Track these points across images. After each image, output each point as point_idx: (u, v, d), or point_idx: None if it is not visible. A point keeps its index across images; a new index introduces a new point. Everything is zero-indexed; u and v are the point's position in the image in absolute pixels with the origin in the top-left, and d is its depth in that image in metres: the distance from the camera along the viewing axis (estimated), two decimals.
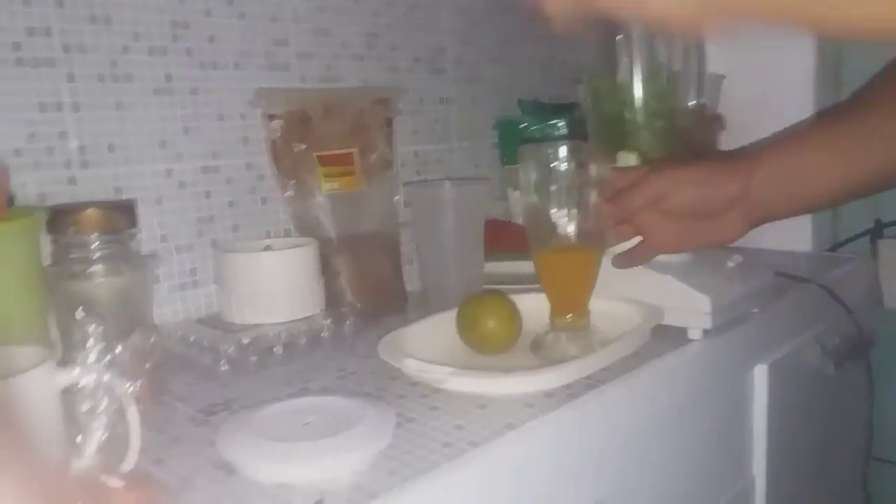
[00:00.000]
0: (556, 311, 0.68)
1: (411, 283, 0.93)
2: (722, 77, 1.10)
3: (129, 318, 0.60)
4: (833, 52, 1.14)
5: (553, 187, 0.65)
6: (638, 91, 0.77)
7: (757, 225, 0.67)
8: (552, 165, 0.65)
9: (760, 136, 1.11)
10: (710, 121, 1.07)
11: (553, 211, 0.65)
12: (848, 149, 0.60)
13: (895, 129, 0.59)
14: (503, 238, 1.04)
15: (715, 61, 1.07)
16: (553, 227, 0.66)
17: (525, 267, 0.97)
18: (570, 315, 0.67)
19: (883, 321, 1.04)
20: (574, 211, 0.65)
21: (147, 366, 0.50)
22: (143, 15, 0.74)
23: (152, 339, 0.51)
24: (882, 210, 1.11)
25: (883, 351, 0.99)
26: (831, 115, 0.66)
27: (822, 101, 1.09)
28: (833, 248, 1.16)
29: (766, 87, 1.10)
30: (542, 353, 0.67)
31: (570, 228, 0.65)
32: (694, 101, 0.81)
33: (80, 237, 0.61)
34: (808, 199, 0.65)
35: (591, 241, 0.67)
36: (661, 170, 0.66)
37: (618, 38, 0.78)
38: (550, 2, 0.40)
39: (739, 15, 0.53)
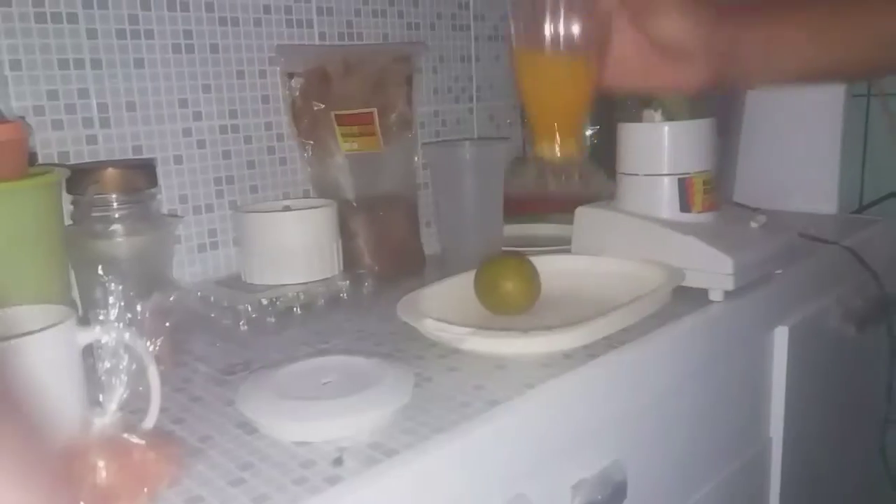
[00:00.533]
0: (542, 134, 0.55)
1: (430, 245, 0.93)
2: None
3: (149, 278, 0.61)
4: None
5: None
6: None
7: (719, 82, 0.56)
8: None
9: (789, 95, 1.08)
10: None
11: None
12: (833, 31, 0.53)
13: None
14: (524, 202, 1.04)
15: None
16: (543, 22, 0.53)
17: (545, 229, 0.97)
18: (560, 143, 0.55)
19: None
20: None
21: (167, 325, 0.50)
22: None
23: (172, 298, 0.52)
24: None
25: None
26: None
27: None
28: (859, 210, 1.14)
29: None
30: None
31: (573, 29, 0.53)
32: None
33: (101, 197, 0.61)
34: (784, 73, 0.59)
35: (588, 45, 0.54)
36: None
37: None
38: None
39: (751, 77, 0.54)
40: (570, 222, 0.80)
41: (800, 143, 1.09)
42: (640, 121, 0.77)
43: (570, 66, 0.54)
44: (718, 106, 0.80)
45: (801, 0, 0.53)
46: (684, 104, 0.75)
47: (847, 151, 1.08)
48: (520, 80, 0.56)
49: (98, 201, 0.61)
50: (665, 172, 0.74)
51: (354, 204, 0.81)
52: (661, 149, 0.75)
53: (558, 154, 0.55)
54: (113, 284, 0.41)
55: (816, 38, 0.53)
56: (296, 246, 0.71)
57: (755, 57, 0.54)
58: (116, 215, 0.61)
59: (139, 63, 0.72)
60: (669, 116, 0.75)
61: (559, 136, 0.55)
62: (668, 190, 0.74)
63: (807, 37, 0.53)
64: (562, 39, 0.53)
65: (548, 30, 0.54)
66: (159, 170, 0.73)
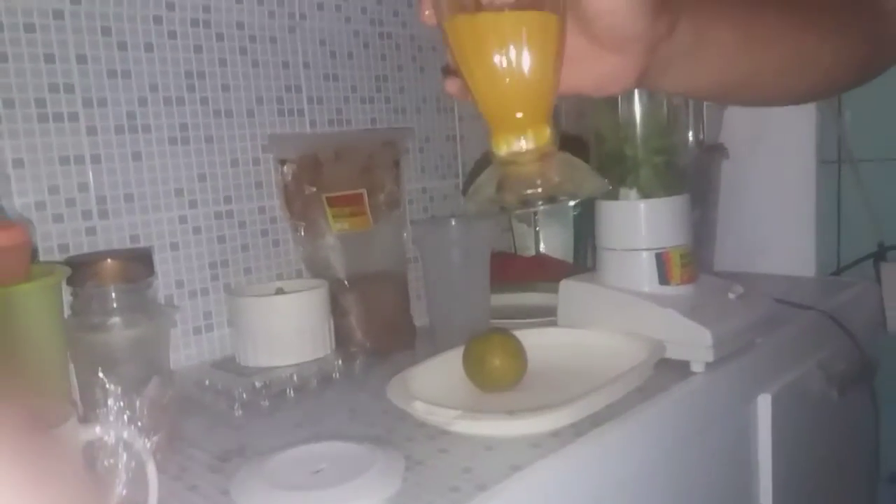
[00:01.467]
0: (500, 125, 0.41)
1: (420, 317, 0.95)
2: (723, 107, 1.12)
3: (146, 366, 0.62)
4: None
5: None
6: (638, 128, 0.79)
7: (642, 84, 0.46)
8: None
9: (763, 165, 1.13)
10: (712, 152, 1.09)
11: None
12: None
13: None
14: (508, 271, 1.07)
15: None
16: None
17: (532, 299, 1.00)
18: (527, 133, 0.40)
19: (887, 345, 1.05)
20: None
21: (165, 416, 0.52)
22: (160, 67, 0.77)
23: (169, 392, 0.53)
24: (885, 233, 1.12)
25: (887, 375, 1.00)
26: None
27: (822, 123, 1.11)
28: (837, 272, 1.17)
29: (766, 114, 1.12)
30: (478, 207, 0.42)
31: None
32: (693, 136, 0.83)
33: (100, 289, 0.63)
34: (704, 75, 0.49)
35: None
36: None
37: None
38: None
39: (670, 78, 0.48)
40: (556, 291, 0.82)
41: (776, 208, 1.13)
42: (617, 198, 0.80)
43: (533, 21, 0.39)
44: (694, 179, 0.84)
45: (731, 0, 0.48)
46: (657, 181, 0.79)
47: (822, 215, 1.12)
48: (464, 54, 0.40)
49: (96, 293, 0.63)
50: (643, 248, 0.77)
51: (346, 282, 0.83)
52: (637, 225, 0.78)
53: (525, 146, 0.40)
54: (111, 385, 0.43)
55: (741, 39, 0.48)
56: (288, 328, 0.73)
57: (682, 51, 0.45)
58: (115, 306, 0.64)
59: (137, 156, 0.76)
60: (645, 194, 0.79)
61: (527, 119, 0.40)
62: (646, 264, 0.77)
63: (732, 36, 0.47)
64: None
65: None
66: (156, 257, 0.76)
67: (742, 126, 1.13)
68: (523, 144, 0.40)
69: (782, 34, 0.49)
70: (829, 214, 1.18)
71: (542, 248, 1.11)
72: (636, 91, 0.79)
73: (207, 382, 0.72)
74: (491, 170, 0.42)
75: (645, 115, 0.79)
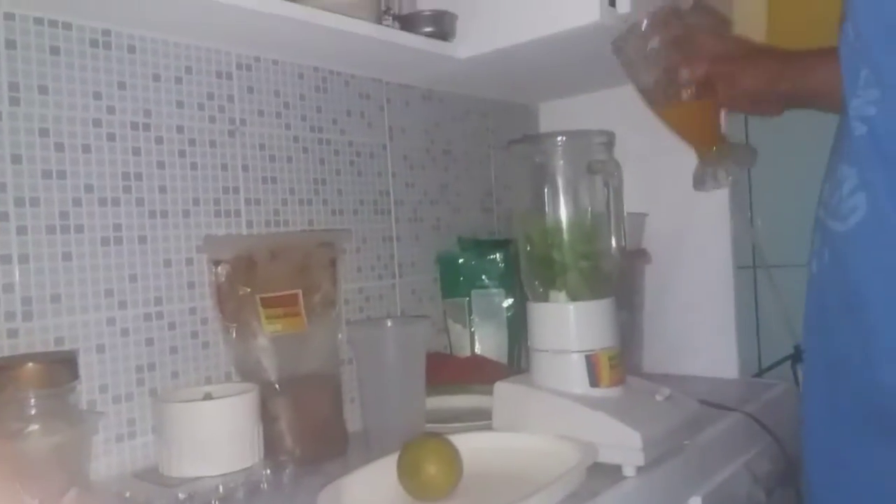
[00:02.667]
0: (701, 150, 0.81)
1: (354, 421, 0.94)
2: (644, 215, 1.19)
3: (65, 476, 0.59)
4: (744, 183, 1.24)
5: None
6: (564, 235, 0.83)
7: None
8: None
9: (683, 269, 1.19)
10: (636, 256, 1.14)
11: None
12: None
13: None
14: (445, 372, 1.07)
15: (637, 200, 1.15)
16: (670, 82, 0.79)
17: (468, 401, 1.00)
18: (714, 147, 0.80)
19: None
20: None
21: None
22: (96, 168, 0.77)
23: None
24: (800, 336, 1.17)
25: None
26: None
27: (736, 230, 1.18)
28: (759, 374, 1.22)
29: (685, 221, 1.19)
30: (707, 186, 0.81)
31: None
32: (616, 243, 0.87)
33: (19, 394, 0.61)
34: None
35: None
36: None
37: (545, 185, 0.84)
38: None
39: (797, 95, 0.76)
40: (492, 392, 0.83)
41: (698, 311, 1.18)
42: (548, 300, 0.83)
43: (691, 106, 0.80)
44: (620, 284, 0.87)
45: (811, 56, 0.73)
46: (583, 285, 0.82)
47: (741, 318, 1.17)
48: (674, 127, 0.82)
49: (15, 399, 0.60)
50: (573, 349, 0.79)
51: (277, 385, 0.82)
52: (567, 327, 0.80)
53: (714, 151, 0.80)
54: (29, 497, 0.41)
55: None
56: (216, 435, 0.71)
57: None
58: (34, 412, 0.61)
59: (67, 256, 0.74)
60: (573, 296, 0.82)
61: (706, 143, 0.81)
62: (576, 366, 0.79)
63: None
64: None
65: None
66: (80, 360, 0.73)
67: (662, 233, 1.19)
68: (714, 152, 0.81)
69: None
70: (749, 318, 1.23)
71: (477, 348, 1.12)
72: (562, 202, 0.83)
73: (128, 494, 0.68)
74: (700, 168, 0.83)
75: (570, 222, 0.83)
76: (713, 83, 0.77)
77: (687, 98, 0.79)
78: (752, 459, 0.93)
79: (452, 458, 0.69)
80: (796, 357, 1.16)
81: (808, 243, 1.15)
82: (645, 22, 0.79)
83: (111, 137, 0.78)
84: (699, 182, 0.83)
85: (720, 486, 0.84)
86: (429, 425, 0.88)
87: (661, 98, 0.81)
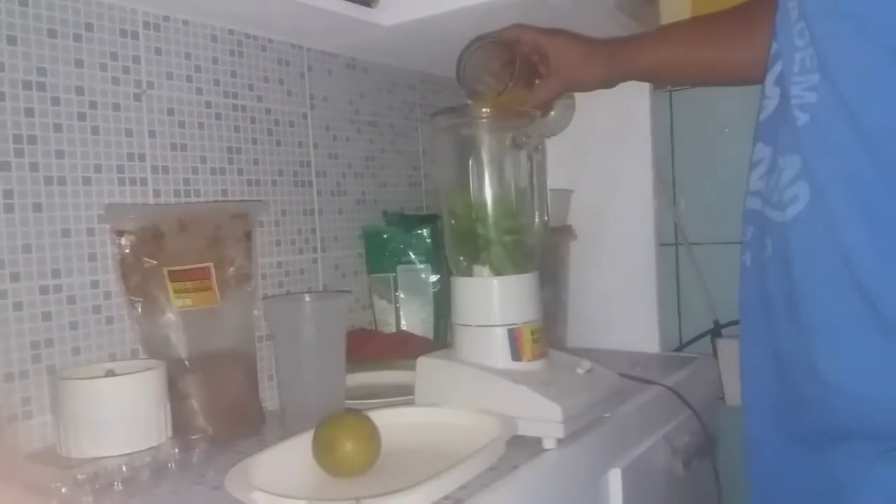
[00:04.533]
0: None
1: (271, 400, 0.91)
2: (570, 192, 1.19)
3: None
4: (667, 162, 1.26)
5: None
6: (489, 209, 0.82)
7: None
8: None
9: (607, 246, 1.20)
10: (561, 233, 1.14)
11: None
12: (703, 48, 0.86)
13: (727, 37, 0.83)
14: (368, 348, 1.04)
15: (562, 177, 1.15)
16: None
17: (391, 377, 0.98)
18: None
19: (725, 417, 1.12)
20: None
21: None
22: None
23: None
24: (719, 311, 1.20)
25: (727, 447, 1.06)
26: (691, 23, 0.95)
27: (659, 208, 1.19)
28: (679, 349, 1.24)
29: (609, 198, 1.20)
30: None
31: None
32: (539, 218, 0.86)
33: None
34: (664, 80, 1.01)
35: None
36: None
37: (470, 159, 0.83)
38: None
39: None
40: (414, 368, 0.81)
41: (621, 287, 1.19)
42: (471, 275, 0.82)
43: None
44: (545, 260, 0.87)
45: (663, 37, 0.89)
46: (507, 260, 0.81)
47: (662, 294, 1.19)
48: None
49: None
50: (496, 323, 0.78)
51: (187, 362, 0.78)
52: (490, 301, 0.79)
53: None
54: None
55: (675, 67, 0.88)
56: (117, 414, 0.67)
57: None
58: None
59: None
60: (497, 271, 0.80)
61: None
62: (499, 340, 0.78)
63: (671, 66, 0.88)
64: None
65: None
66: None
67: (587, 210, 1.20)
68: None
69: (699, 58, 0.86)
70: (670, 294, 1.26)
71: (403, 324, 1.11)
72: (486, 176, 0.82)
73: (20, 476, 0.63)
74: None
75: (494, 197, 0.82)
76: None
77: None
78: (671, 432, 0.94)
79: (370, 433, 0.67)
80: (716, 331, 1.19)
81: (728, 222, 1.19)
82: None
83: (0, 96, 0.72)
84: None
85: (639, 458, 0.85)
86: (349, 402, 0.86)
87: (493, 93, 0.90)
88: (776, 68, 0.64)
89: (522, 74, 0.88)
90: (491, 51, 0.90)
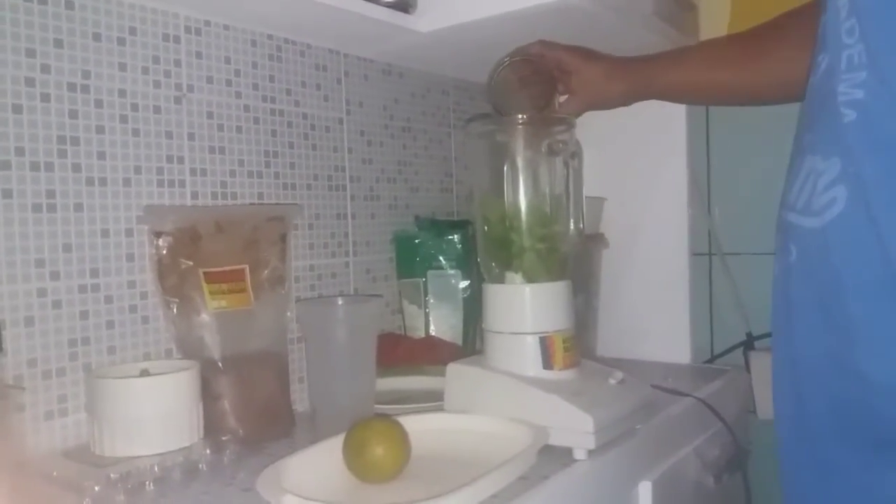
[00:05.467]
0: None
1: (302, 401, 0.91)
2: (603, 200, 1.18)
3: None
4: (702, 172, 1.24)
5: None
6: (523, 216, 0.81)
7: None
8: None
9: (640, 255, 1.19)
10: (593, 241, 1.13)
11: None
12: (718, 70, 0.89)
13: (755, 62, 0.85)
14: (399, 352, 1.05)
15: (596, 185, 1.14)
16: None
17: (420, 382, 0.98)
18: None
19: (757, 431, 1.10)
20: None
21: None
22: (28, 130, 0.72)
23: (4, 485, 0.47)
24: (752, 323, 1.18)
25: (759, 461, 1.04)
26: (707, 45, 0.97)
27: (694, 218, 1.18)
28: (710, 360, 1.22)
29: (643, 207, 1.18)
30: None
31: None
32: (574, 225, 0.85)
33: None
34: (682, 99, 0.99)
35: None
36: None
37: (505, 166, 0.83)
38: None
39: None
40: (444, 374, 0.81)
41: (653, 297, 1.18)
42: (504, 282, 0.81)
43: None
44: (577, 268, 0.86)
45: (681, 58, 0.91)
46: (542, 267, 0.80)
47: (695, 305, 1.18)
48: None
49: None
50: (527, 331, 0.78)
51: (220, 364, 0.78)
52: (522, 309, 0.79)
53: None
54: None
55: (693, 87, 0.91)
56: (151, 414, 0.68)
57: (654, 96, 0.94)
58: None
59: None
60: (529, 278, 0.80)
61: None
62: (531, 348, 0.77)
63: (689, 87, 0.91)
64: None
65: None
66: (6, 332, 0.69)
67: (620, 218, 1.19)
68: None
69: (715, 79, 0.89)
70: (702, 304, 1.24)
71: (432, 329, 1.10)
72: (521, 183, 0.82)
73: (55, 474, 0.65)
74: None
75: (529, 204, 0.82)
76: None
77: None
78: (702, 445, 0.93)
79: (400, 439, 0.67)
80: (748, 344, 1.17)
81: (763, 232, 1.17)
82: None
83: (45, 98, 0.74)
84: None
85: (670, 470, 0.84)
86: (379, 406, 0.86)
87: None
88: (811, 79, 0.63)
89: (548, 92, 0.89)
90: (517, 68, 0.91)
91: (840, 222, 0.57)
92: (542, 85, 0.88)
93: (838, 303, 0.58)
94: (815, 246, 0.60)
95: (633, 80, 0.90)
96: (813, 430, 0.62)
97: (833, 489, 0.61)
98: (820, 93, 0.60)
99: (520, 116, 0.84)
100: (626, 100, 0.92)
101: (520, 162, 0.82)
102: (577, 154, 0.81)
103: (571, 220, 0.83)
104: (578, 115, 0.91)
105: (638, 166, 1.19)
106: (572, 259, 0.84)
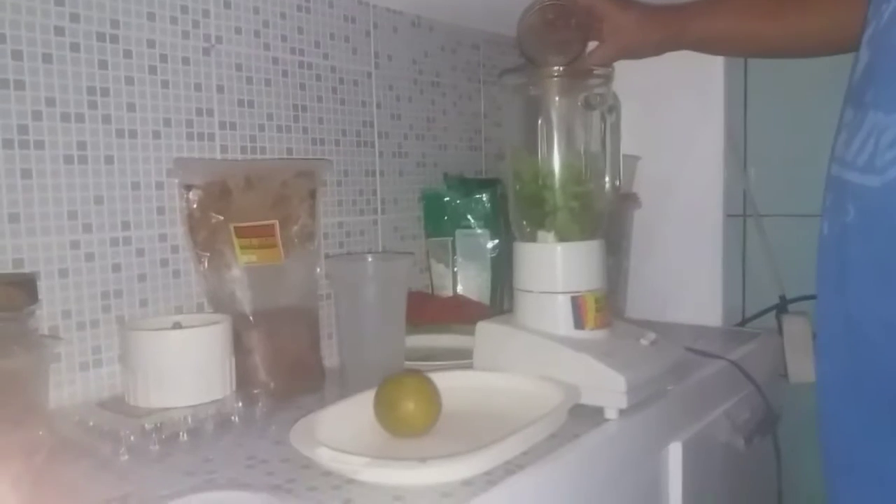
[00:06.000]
0: None
1: (331, 357, 0.91)
2: (637, 158, 1.15)
3: (20, 404, 0.56)
4: (739, 131, 1.21)
5: None
6: (556, 173, 0.80)
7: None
8: None
9: (673, 215, 1.17)
10: (625, 200, 1.11)
11: None
12: (752, 20, 0.84)
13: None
14: (426, 311, 1.04)
15: (629, 143, 1.12)
16: None
17: (448, 340, 0.98)
18: None
19: (788, 395, 1.08)
20: None
21: (37, 460, 0.46)
22: (58, 80, 0.72)
23: (41, 433, 0.48)
24: (786, 286, 1.16)
25: (789, 425, 1.03)
26: None
27: (729, 178, 1.15)
28: (742, 323, 1.21)
29: (677, 166, 1.16)
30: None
31: None
32: (610, 183, 0.84)
33: None
34: (717, 51, 0.92)
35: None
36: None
37: (539, 121, 0.81)
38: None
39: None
40: (473, 333, 0.81)
41: (685, 259, 1.16)
42: (535, 240, 0.80)
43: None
44: (609, 227, 0.84)
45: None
46: (573, 225, 0.79)
47: (728, 267, 1.15)
48: None
49: None
50: (559, 290, 0.77)
51: (251, 318, 0.79)
52: (554, 268, 0.77)
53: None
54: None
55: (732, 36, 0.86)
56: (184, 366, 0.68)
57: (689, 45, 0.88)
58: None
59: (26, 174, 0.70)
60: (562, 237, 0.79)
61: None
62: (562, 307, 0.76)
63: (728, 34, 0.86)
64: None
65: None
66: (41, 284, 0.69)
67: (653, 177, 1.16)
68: None
69: (751, 29, 0.84)
70: (735, 267, 1.22)
71: (459, 288, 1.10)
72: (556, 139, 0.80)
73: (91, 423, 0.65)
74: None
75: (563, 160, 0.80)
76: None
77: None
78: (733, 407, 0.92)
79: (431, 394, 0.67)
80: (781, 307, 1.15)
81: (800, 194, 1.14)
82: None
83: (75, 48, 0.73)
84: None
85: (700, 432, 0.84)
86: (408, 363, 0.86)
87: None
88: (869, 29, 0.60)
89: (579, 39, 0.85)
90: (548, 12, 0.87)
91: None
92: (573, 31, 0.84)
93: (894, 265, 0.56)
94: (876, 205, 0.57)
95: (665, 29, 0.86)
96: (867, 395, 0.61)
97: (882, 457, 0.59)
98: (883, 44, 0.57)
99: (555, 69, 0.82)
100: (658, 49, 0.88)
101: (554, 116, 0.80)
102: (614, 108, 0.79)
103: (607, 178, 0.81)
104: (608, 63, 0.87)
105: (672, 123, 1.16)
106: (606, 217, 0.82)
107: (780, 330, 1.12)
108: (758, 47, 0.89)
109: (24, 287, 0.62)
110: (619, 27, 0.85)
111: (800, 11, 0.80)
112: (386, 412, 0.66)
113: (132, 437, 0.62)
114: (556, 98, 0.80)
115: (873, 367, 0.59)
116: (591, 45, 0.86)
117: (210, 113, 0.84)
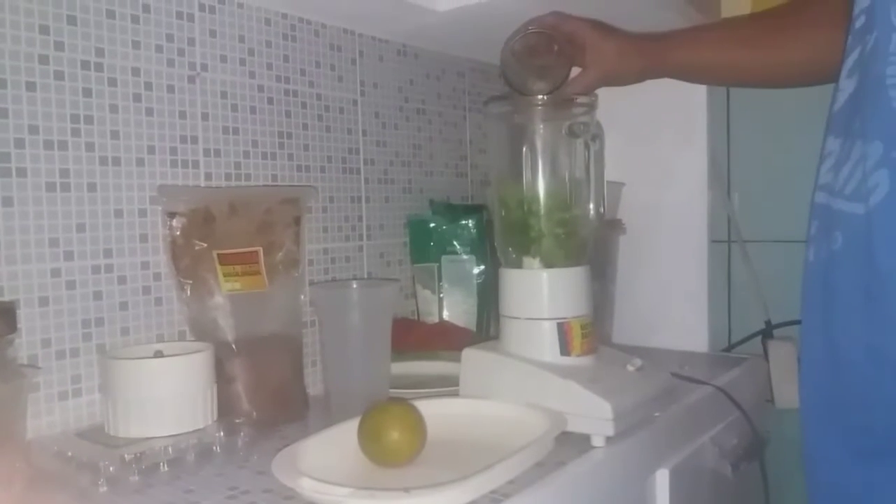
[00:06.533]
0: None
1: (315, 385, 0.90)
2: (622, 185, 1.16)
3: None
4: (723, 157, 1.22)
5: None
6: (541, 200, 0.80)
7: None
8: None
9: (658, 241, 1.17)
10: (610, 226, 1.11)
11: None
12: (732, 50, 0.86)
13: (768, 41, 0.83)
14: (412, 337, 1.04)
15: (614, 170, 1.13)
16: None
17: (434, 367, 0.97)
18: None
19: (775, 420, 1.08)
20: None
21: (15, 491, 0.45)
22: (41, 108, 0.72)
23: (18, 464, 0.47)
24: (772, 311, 1.17)
25: (776, 450, 1.02)
26: (722, 24, 0.97)
27: (713, 204, 1.16)
28: (728, 349, 1.21)
29: (662, 193, 1.17)
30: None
31: None
32: (594, 209, 0.84)
33: None
34: (698, 79, 0.97)
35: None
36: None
37: (523, 148, 0.81)
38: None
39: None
40: (459, 359, 0.80)
41: (670, 284, 1.16)
42: (521, 267, 0.80)
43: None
44: (594, 253, 0.85)
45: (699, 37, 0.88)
46: (561, 252, 0.79)
47: (713, 292, 1.16)
48: None
49: None
50: (545, 317, 0.77)
51: (234, 346, 0.78)
52: (540, 294, 0.77)
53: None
54: None
55: (711, 66, 0.88)
56: (165, 395, 0.67)
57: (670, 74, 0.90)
58: None
59: (7, 201, 0.69)
60: (547, 263, 0.79)
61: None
62: (547, 334, 0.76)
63: (707, 64, 0.88)
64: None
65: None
66: (21, 312, 0.68)
67: (638, 203, 1.17)
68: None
69: (730, 59, 0.86)
70: (721, 292, 1.22)
71: (445, 314, 1.10)
72: (540, 166, 0.80)
73: (70, 454, 0.64)
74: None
75: (548, 187, 0.80)
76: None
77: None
78: (719, 433, 0.92)
79: (416, 423, 0.66)
80: (767, 332, 1.15)
81: (784, 219, 1.15)
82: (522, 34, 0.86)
83: (59, 76, 0.73)
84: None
85: (687, 459, 0.83)
86: (393, 391, 0.85)
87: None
88: (850, 59, 0.61)
89: (561, 66, 0.86)
90: (531, 40, 0.88)
91: (883, 208, 0.55)
92: (555, 57, 0.85)
93: (881, 292, 0.56)
94: (861, 233, 0.58)
95: (646, 57, 0.87)
96: (848, 420, 0.60)
97: (865, 483, 0.59)
98: (868, 73, 0.58)
99: (539, 97, 0.82)
100: (640, 77, 0.90)
101: (539, 144, 0.81)
102: (598, 136, 0.79)
103: (591, 204, 0.82)
104: (590, 91, 0.88)
105: (656, 150, 1.17)
106: (591, 243, 0.82)
107: (765, 355, 1.12)
108: (738, 77, 0.90)
109: (2, 316, 0.61)
110: (601, 55, 0.86)
111: (780, 42, 0.81)
112: (370, 441, 0.65)
113: (111, 468, 0.61)
114: (541, 126, 0.81)
115: (856, 392, 0.59)
116: (575, 71, 0.87)
117: (195, 140, 0.84)
